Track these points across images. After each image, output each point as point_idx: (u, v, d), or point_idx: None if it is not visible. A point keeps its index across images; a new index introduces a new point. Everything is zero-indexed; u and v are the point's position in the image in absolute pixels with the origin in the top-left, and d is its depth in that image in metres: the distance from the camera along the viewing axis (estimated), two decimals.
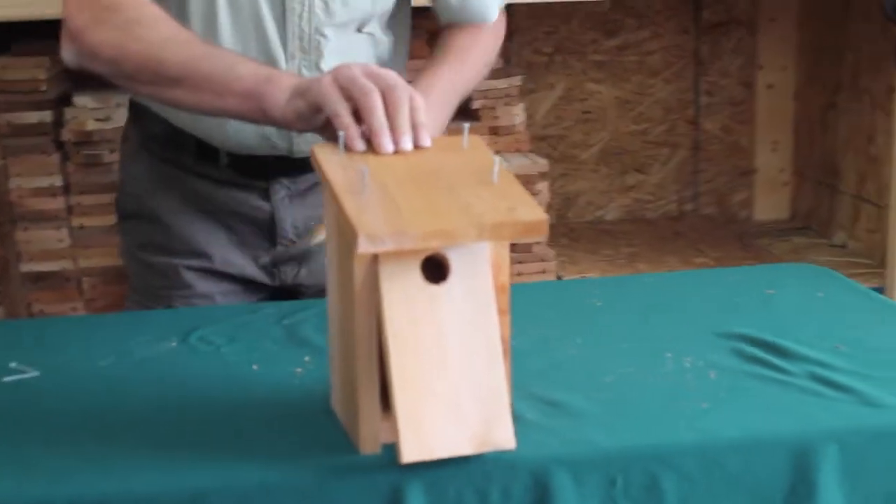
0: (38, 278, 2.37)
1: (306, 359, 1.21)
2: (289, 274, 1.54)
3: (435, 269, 0.95)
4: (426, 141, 1.07)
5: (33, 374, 1.19)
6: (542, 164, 2.52)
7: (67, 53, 1.35)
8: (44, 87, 2.30)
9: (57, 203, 2.33)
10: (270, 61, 1.40)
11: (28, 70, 2.29)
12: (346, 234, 0.95)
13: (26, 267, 2.36)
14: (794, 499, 0.98)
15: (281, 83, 1.19)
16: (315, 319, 1.33)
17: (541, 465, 0.95)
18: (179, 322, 1.34)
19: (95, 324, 1.42)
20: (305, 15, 1.40)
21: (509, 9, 1.56)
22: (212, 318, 1.35)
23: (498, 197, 0.96)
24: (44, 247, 2.36)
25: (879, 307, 1.37)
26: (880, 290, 2.35)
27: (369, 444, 0.97)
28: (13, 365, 1.21)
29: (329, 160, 1.03)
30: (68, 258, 2.36)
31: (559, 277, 2.52)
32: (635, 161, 3.10)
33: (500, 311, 0.97)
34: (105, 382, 1.17)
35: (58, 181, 2.33)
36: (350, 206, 0.93)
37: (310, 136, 1.41)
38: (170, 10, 1.36)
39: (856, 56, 2.76)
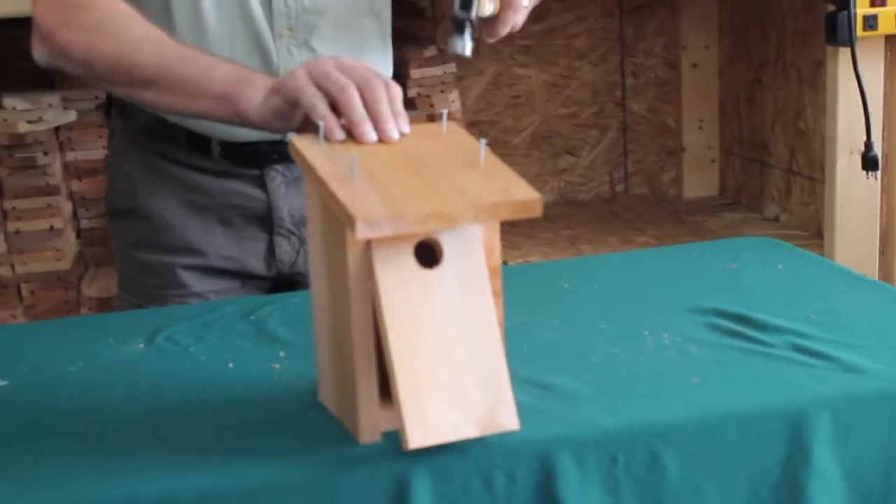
0: None
1: (281, 354, 1.19)
2: (286, 263, 1.52)
3: (427, 254, 0.95)
4: (406, 128, 1.06)
5: (2, 382, 1.16)
6: None
7: (38, 54, 1.33)
8: None
9: None
10: (258, 41, 1.39)
11: None
12: (337, 223, 0.93)
13: None
14: (791, 465, 1.00)
15: (255, 84, 1.18)
16: (280, 314, 1.32)
17: (544, 448, 0.95)
18: (142, 323, 1.31)
19: (55, 329, 1.38)
20: (290, 1, 1.38)
21: None
22: (175, 318, 1.32)
23: (488, 178, 0.96)
24: None
25: (838, 276, 1.40)
26: None
27: (369, 434, 0.96)
28: None
29: (310, 150, 1.01)
30: (5, 264, 2.30)
31: (505, 263, 2.52)
32: (566, 144, 3.12)
33: (494, 293, 0.97)
34: (79, 388, 1.14)
35: None
36: (342, 193, 0.91)
37: None
38: None
39: (779, 33, 2.81)
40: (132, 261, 1.55)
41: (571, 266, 1.54)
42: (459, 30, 1.30)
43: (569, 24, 3.05)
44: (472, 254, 0.95)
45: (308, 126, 1.10)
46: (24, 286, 2.32)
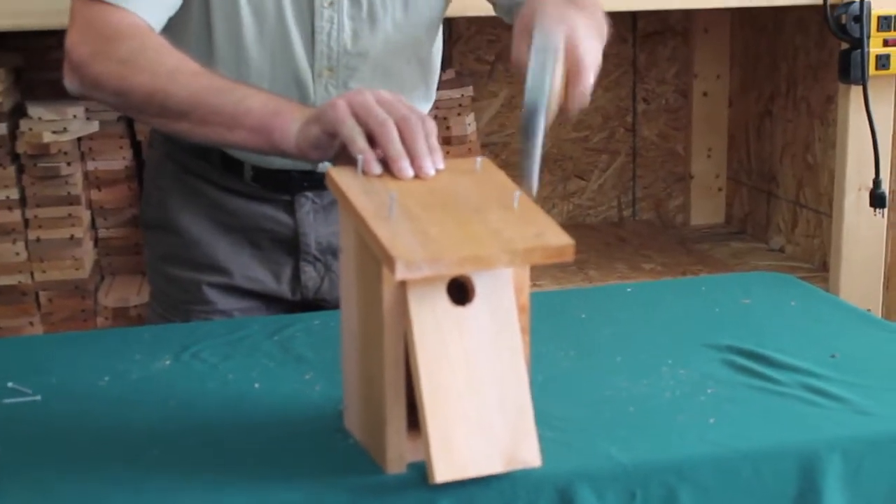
0: None
1: (307, 376, 1.22)
2: (310, 288, 1.55)
3: (459, 290, 0.98)
4: (441, 164, 1.09)
5: (34, 397, 1.19)
6: None
7: (71, 84, 1.33)
8: None
9: (13, 216, 2.29)
10: (297, 79, 1.42)
11: None
12: (373, 257, 0.96)
13: None
14: None
15: (292, 114, 1.18)
16: (304, 334, 1.35)
17: (564, 481, 0.98)
18: (169, 339, 1.34)
19: (82, 342, 1.40)
20: (334, 34, 1.41)
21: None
22: (201, 335, 1.35)
23: (522, 222, 0.99)
24: (0, 260, 2.32)
25: (849, 315, 1.43)
26: None
27: (396, 464, 0.99)
28: (10, 385, 1.21)
29: (349, 183, 1.04)
30: (25, 272, 2.33)
31: None
32: (576, 167, 3.15)
33: (522, 331, 1.00)
34: (108, 403, 1.17)
35: (14, 194, 2.29)
36: (382, 232, 0.95)
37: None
38: (193, 29, 1.36)
39: (790, 66, 2.84)
40: (161, 272, 1.58)
41: (586, 296, 1.57)
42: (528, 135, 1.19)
43: None
44: (502, 292, 0.98)
45: (343, 156, 1.12)
46: (42, 294, 2.34)
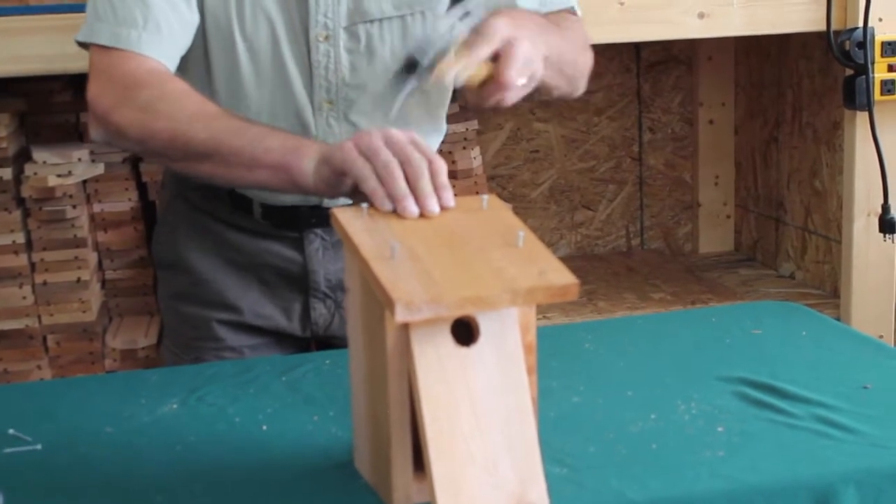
0: (1, 336, 2.33)
1: (316, 417, 1.21)
2: (321, 325, 1.55)
3: (464, 330, 0.97)
4: (451, 201, 1.09)
5: (35, 446, 1.17)
6: None
7: (95, 133, 1.35)
8: (3, 144, 2.26)
9: (19, 260, 2.29)
10: (297, 112, 1.43)
11: None
12: (376, 300, 0.96)
13: None
14: None
15: (307, 152, 1.20)
16: (314, 375, 1.34)
17: None
18: (176, 382, 1.34)
19: (86, 387, 1.40)
20: (332, 67, 1.42)
21: None
22: (209, 377, 1.34)
23: (526, 260, 0.98)
24: (7, 304, 2.31)
25: (861, 345, 1.42)
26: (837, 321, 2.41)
27: None
28: (11, 432, 1.20)
29: (352, 224, 1.04)
30: (32, 315, 2.33)
31: None
32: (584, 198, 3.14)
33: (529, 370, 0.99)
34: (113, 450, 1.16)
35: (20, 238, 2.29)
36: (383, 273, 0.94)
37: None
38: (192, 67, 1.37)
39: (795, 92, 2.84)
40: (173, 311, 1.59)
41: (595, 328, 1.56)
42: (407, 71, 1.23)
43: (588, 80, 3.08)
44: (507, 332, 0.97)
45: (359, 194, 1.13)
46: (49, 337, 2.34)
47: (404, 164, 1.09)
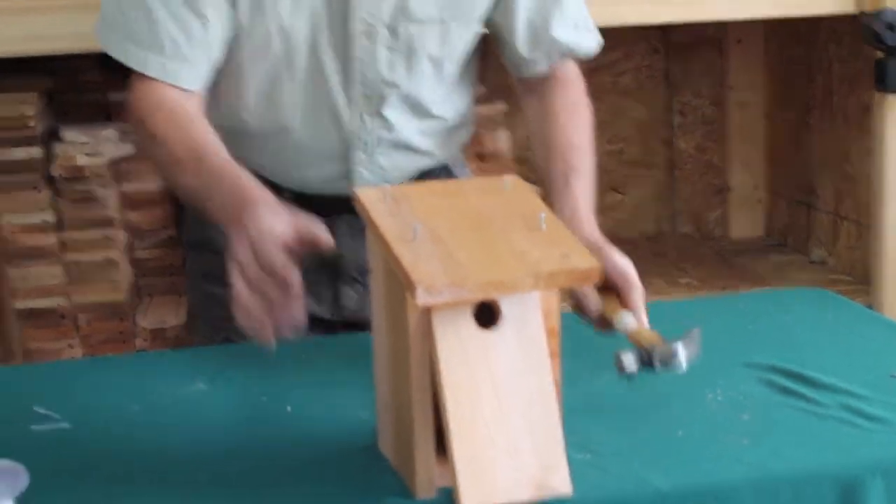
0: (32, 315, 2.35)
1: (340, 400, 1.21)
2: (350, 309, 1.55)
3: (486, 312, 0.96)
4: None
5: (63, 423, 1.18)
6: None
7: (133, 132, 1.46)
8: (32, 123, 2.28)
9: (49, 239, 2.31)
10: (331, 106, 1.44)
11: (16, 106, 2.28)
12: (399, 283, 0.95)
13: (20, 304, 2.34)
14: None
15: (224, 216, 1.26)
16: (339, 357, 1.34)
17: None
18: (203, 362, 1.35)
19: (114, 366, 1.41)
20: (371, 64, 1.42)
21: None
22: (236, 358, 1.35)
23: (549, 243, 0.97)
24: (37, 283, 2.33)
25: (894, 333, 1.40)
26: (869, 308, 2.39)
27: (425, 489, 0.98)
28: (40, 410, 1.21)
29: (375, 206, 1.03)
30: (62, 294, 2.34)
31: None
32: (613, 181, 3.13)
33: (551, 354, 0.98)
34: (142, 429, 1.17)
35: (50, 217, 2.31)
36: (404, 256, 0.94)
37: (372, 176, 1.46)
38: (223, 67, 1.40)
39: (826, 76, 2.81)
40: (202, 291, 1.59)
41: None
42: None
43: (616, 62, 3.07)
44: (530, 315, 0.96)
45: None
46: (80, 316, 2.36)
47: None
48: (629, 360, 1.11)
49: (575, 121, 1.49)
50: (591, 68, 2.97)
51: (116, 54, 1.39)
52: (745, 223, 3.17)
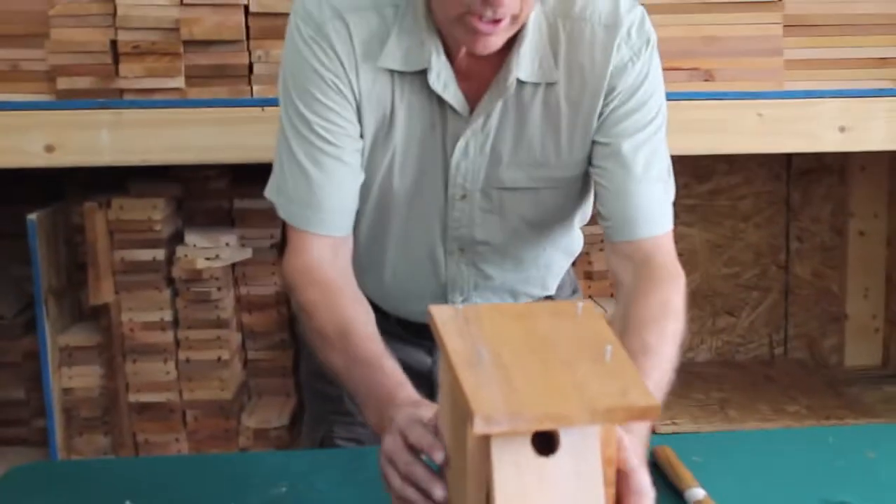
0: (144, 409, 2.44)
1: None
2: None
3: (545, 438, 0.98)
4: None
5: None
6: None
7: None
8: (158, 227, 2.39)
9: (166, 336, 2.41)
10: (432, 256, 1.55)
11: (144, 210, 2.39)
12: (461, 405, 0.98)
13: (133, 397, 2.43)
14: None
15: (374, 418, 1.26)
16: None
17: None
18: (291, 465, 1.38)
19: (206, 464, 1.46)
20: (465, 223, 1.52)
21: None
22: (323, 463, 1.39)
23: (611, 376, 0.99)
24: (152, 378, 2.43)
25: None
26: None
27: None
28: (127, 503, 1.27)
29: (446, 325, 1.07)
30: (174, 390, 2.43)
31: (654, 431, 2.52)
32: (726, 304, 3.11)
33: (607, 483, 1.00)
34: None
35: (168, 316, 2.41)
36: (467, 380, 0.96)
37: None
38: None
39: None
40: (311, 387, 1.72)
41: (707, 441, 1.54)
42: None
43: (735, 186, 3.08)
44: (588, 445, 0.98)
45: None
46: (188, 412, 2.44)
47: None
48: None
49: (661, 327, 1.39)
50: (710, 191, 3.02)
51: (289, 218, 1.47)
52: (861, 352, 3.10)
